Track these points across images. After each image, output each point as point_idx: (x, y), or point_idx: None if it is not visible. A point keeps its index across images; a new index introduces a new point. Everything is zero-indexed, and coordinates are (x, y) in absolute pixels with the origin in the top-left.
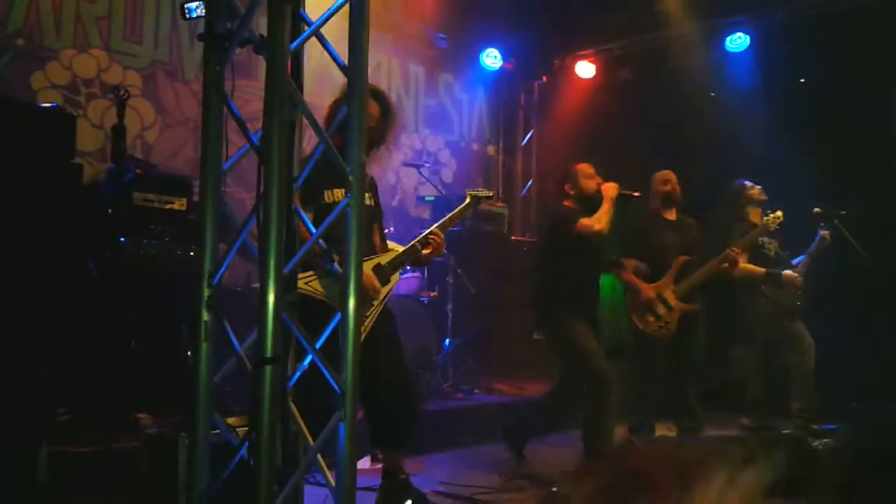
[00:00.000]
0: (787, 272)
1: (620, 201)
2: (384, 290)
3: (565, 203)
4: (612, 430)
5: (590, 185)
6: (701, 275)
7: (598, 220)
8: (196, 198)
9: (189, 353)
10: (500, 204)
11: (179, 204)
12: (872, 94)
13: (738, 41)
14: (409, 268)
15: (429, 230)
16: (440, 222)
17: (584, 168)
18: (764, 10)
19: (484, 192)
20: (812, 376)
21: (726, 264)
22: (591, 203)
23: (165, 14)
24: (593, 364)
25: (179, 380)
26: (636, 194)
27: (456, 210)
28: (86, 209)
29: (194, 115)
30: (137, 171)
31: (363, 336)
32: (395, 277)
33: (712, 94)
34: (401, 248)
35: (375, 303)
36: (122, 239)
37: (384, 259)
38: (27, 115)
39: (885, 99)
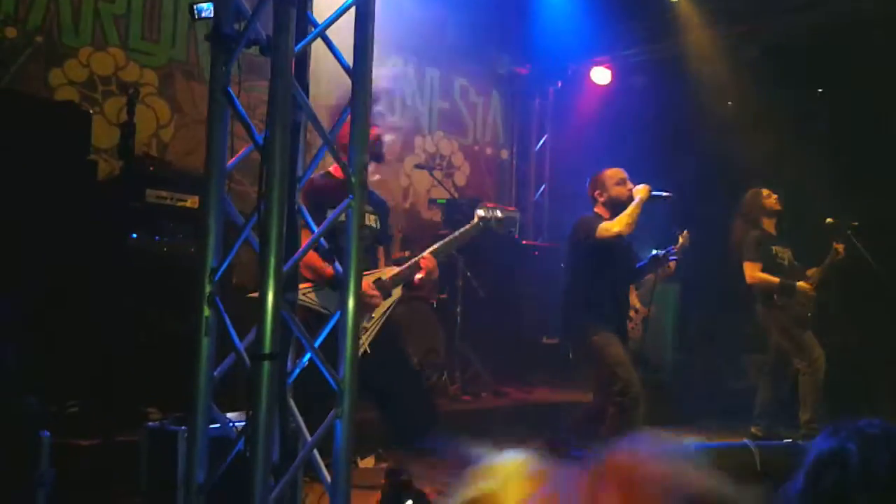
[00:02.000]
0: (801, 283)
1: (652, 202)
2: (385, 304)
3: (595, 209)
4: None
5: (621, 191)
6: (650, 283)
7: (619, 222)
8: None
9: None
10: (511, 208)
11: (192, 202)
12: (888, 104)
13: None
14: None
15: (421, 255)
16: (437, 246)
17: (615, 173)
18: (777, 19)
19: (495, 214)
20: (821, 386)
21: (663, 272)
22: (622, 209)
23: (183, 13)
24: (621, 373)
25: (187, 374)
26: (667, 194)
27: (459, 231)
28: (99, 205)
29: None
30: (151, 168)
31: (368, 347)
32: (396, 292)
33: (729, 103)
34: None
35: (376, 315)
36: (134, 235)
37: (386, 273)
38: (43, 111)
39: None
